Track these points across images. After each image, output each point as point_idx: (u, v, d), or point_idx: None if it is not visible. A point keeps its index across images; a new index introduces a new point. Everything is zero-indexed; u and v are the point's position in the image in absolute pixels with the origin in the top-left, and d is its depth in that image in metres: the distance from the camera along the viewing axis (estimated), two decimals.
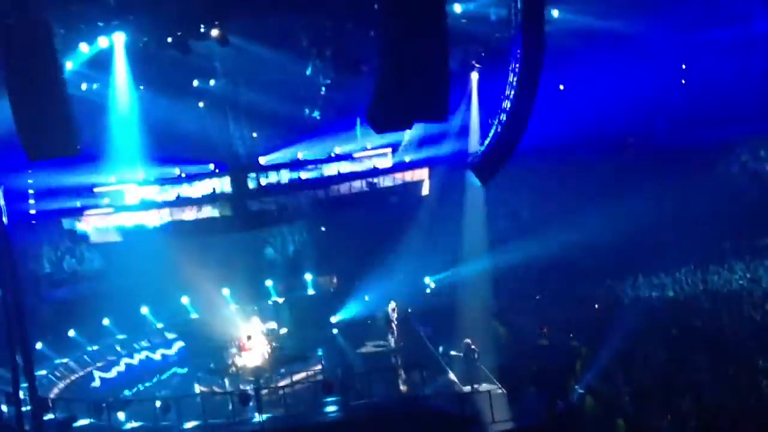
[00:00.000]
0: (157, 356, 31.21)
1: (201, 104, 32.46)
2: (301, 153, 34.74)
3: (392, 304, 28.96)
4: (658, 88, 35.57)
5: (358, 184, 34.74)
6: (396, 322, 28.78)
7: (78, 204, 32.50)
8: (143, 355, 30.84)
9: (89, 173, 31.58)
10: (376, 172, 35.10)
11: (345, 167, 34.96)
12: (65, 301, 33.15)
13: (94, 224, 32.53)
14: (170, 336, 31.97)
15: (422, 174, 35.41)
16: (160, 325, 32.46)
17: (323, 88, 31.76)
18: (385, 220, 34.99)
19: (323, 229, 37.22)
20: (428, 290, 34.70)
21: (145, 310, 32.32)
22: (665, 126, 37.46)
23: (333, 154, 35.25)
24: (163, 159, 32.76)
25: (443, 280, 34.47)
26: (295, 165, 34.50)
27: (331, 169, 34.90)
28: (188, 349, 31.49)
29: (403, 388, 24.63)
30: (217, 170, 33.71)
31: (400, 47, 18.78)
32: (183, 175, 33.71)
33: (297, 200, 34.18)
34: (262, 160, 34.35)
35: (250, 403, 22.66)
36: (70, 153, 18.77)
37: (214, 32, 25.67)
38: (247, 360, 26.56)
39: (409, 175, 35.29)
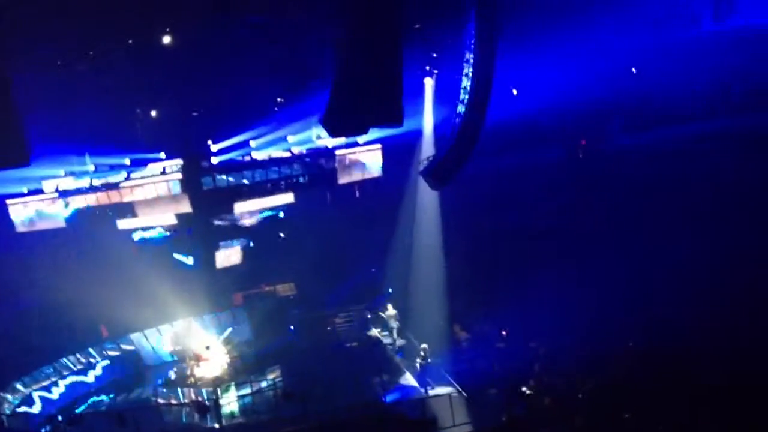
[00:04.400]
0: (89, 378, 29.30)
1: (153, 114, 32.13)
2: (254, 142, 34.18)
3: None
4: (611, 89, 35.92)
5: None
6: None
7: (25, 190, 30.76)
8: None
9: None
10: (328, 150, 34.18)
11: (296, 149, 34.39)
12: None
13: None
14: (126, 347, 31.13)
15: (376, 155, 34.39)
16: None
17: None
18: (340, 209, 34.96)
19: (282, 235, 36.88)
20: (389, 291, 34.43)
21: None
22: (619, 126, 38.02)
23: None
24: (113, 150, 31.96)
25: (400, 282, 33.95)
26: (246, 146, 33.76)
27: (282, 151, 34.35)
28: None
29: (363, 392, 24.66)
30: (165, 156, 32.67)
31: (355, 53, 18.87)
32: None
33: (251, 179, 33.65)
34: (214, 148, 33.47)
35: (209, 414, 22.54)
36: (20, 164, 18.72)
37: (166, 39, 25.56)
38: (205, 370, 26.33)
39: (362, 156, 34.37)
